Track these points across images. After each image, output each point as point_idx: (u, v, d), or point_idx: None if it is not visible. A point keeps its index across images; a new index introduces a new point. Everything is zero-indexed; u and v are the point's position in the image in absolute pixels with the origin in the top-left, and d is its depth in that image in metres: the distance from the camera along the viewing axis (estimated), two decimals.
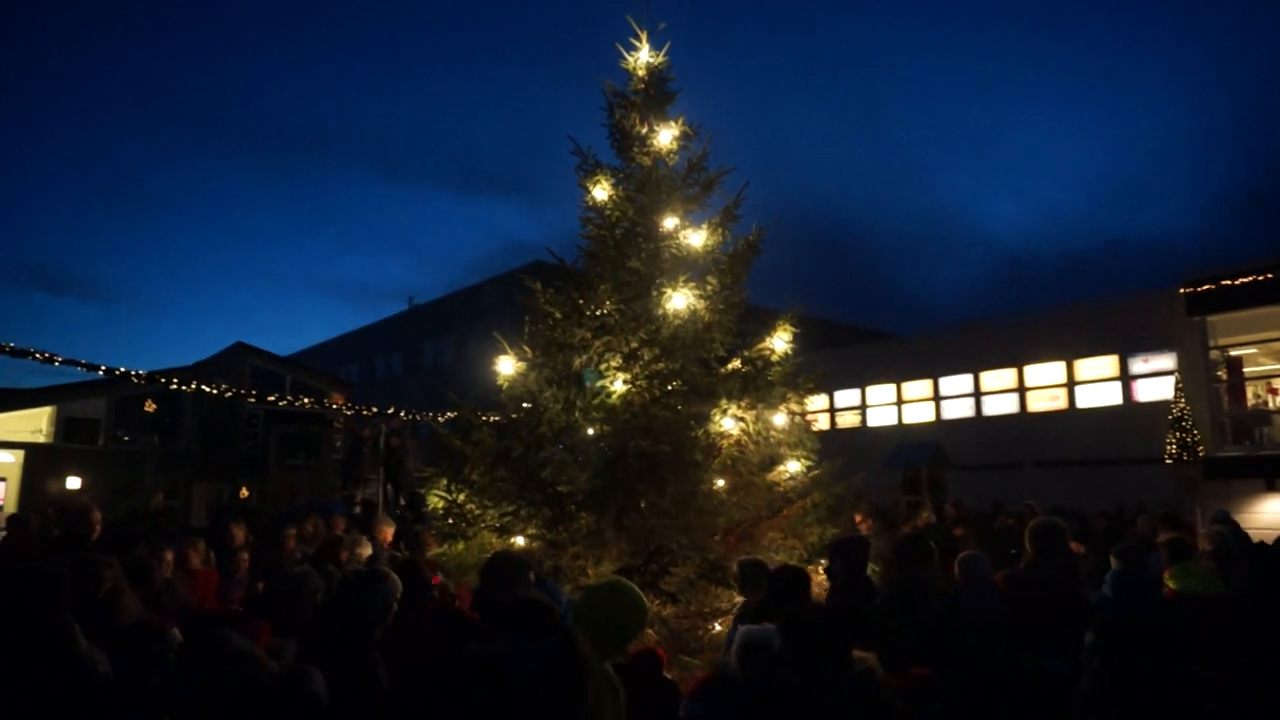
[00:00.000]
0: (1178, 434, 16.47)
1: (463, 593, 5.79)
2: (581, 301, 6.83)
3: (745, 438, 6.57)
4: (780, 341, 7.07)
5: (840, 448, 10.34)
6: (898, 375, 24.55)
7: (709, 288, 6.94)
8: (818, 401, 21.31)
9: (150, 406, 22.46)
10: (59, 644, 3.26)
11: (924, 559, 4.77)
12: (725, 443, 6.47)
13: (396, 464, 13.66)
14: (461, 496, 6.71)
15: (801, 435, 7.11)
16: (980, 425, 22.22)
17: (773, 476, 6.93)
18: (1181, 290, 17.75)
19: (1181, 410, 16.62)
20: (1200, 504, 15.32)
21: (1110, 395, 19.98)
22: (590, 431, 6.64)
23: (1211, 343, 17.82)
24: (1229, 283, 16.85)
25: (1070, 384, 20.69)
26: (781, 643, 2.92)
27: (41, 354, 11.40)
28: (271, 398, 17.14)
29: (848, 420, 25.74)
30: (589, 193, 7.16)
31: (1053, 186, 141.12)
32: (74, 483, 20.19)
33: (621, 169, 7.32)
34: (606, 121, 7.38)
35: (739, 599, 5.77)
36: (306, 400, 18.22)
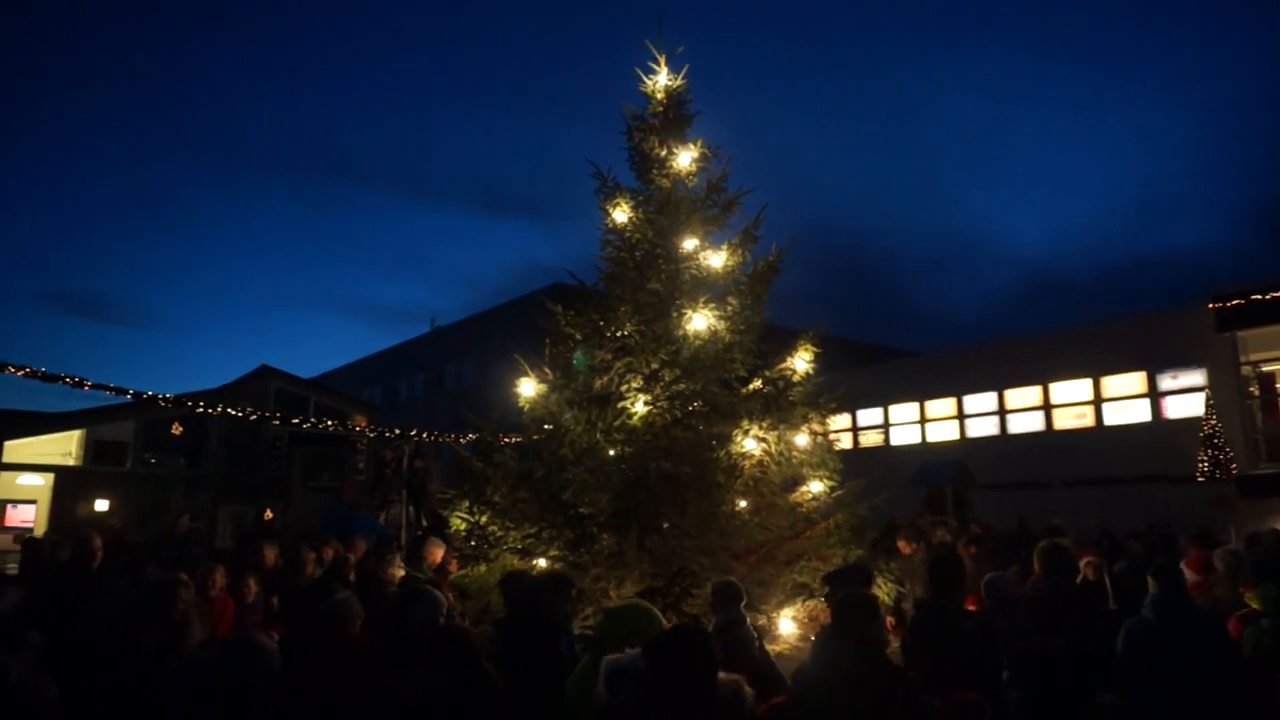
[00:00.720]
0: (1209, 451, 16.16)
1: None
2: (602, 323, 6.85)
3: (767, 458, 6.54)
4: (801, 361, 7.04)
5: (863, 467, 10.25)
6: (921, 394, 24.34)
7: (729, 308, 6.95)
8: (840, 421, 21.18)
9: (177, 429, 22.75)
10: None
11: (957, 580, 4.71)
12: (747, 463, 6.44)
13: (419, 486, 13.69)
14: (484, 518, 6.72)
15: (824, 455, 7.06)
16: (1005, 443, 21.95)
17: (795, 497, 6.88)
18: (1211, 305, 17.49)
19: (1213, 427, 16.32)
20: (1235, 523, 14.99)
21: (1139, 412, 19.66)
22: (611, 453, 6.63)
23: (1243, 358, 17.53)
24: (1260, 297, 16.58)
25: (1097, 401, 20.41)
26: (646, 668, 2.87)
27: (71, 378, 11.59)
28: (296, 420, 17.29)
29: (871, 439, 25.53)
30: (609, 215, 7.21)
31: (1078, 202, 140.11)
32: (102, 505, 20.42)
33: (641, 191, 7.36)
34: (626, 144, 7.45)
35: (762, 621, 5.70)
36: (330, 422, 18.36)
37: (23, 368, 11.17)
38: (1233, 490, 16.00)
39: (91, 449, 21.93)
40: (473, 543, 6.80)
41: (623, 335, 6.77)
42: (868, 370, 26.16)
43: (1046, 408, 21.41)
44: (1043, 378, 21.48)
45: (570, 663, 4.08)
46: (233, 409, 14.68)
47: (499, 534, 6.58)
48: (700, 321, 6.69)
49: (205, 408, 14.54)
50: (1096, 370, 20.45)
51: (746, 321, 7.04)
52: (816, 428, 6.94)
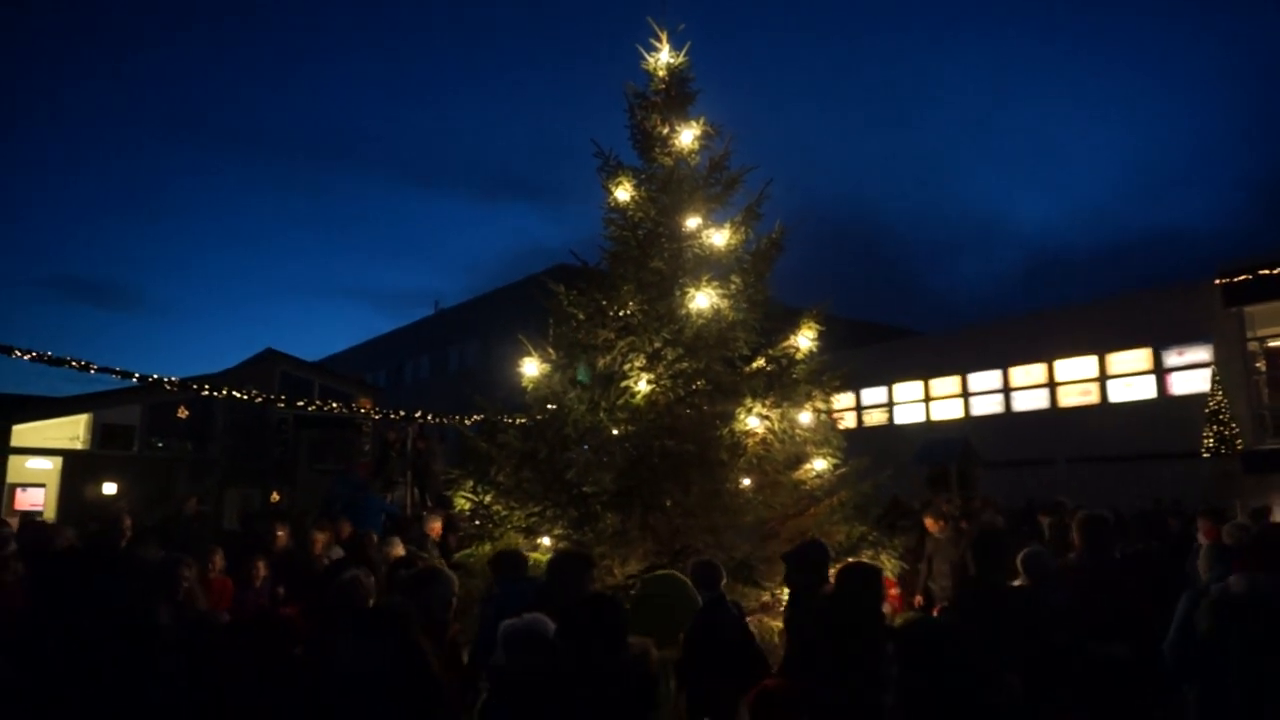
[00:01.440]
0: (1215, 428, 16.14)
1: None
2: (605, 302, 6.84)
3: (770, 436, 6.53)
4: (805, 339, 7.02)
5: (867, 446, 10.26)
6: (925, 372, 24.31)
7: (732, 286, 6.92)
8: (844, 400, 21.19)
9: (183, 413, 22.82)
10: None
11: (1002, 561, 4.62)
12: (750, 441, 6.44)
13: (424, 467, 13.75)
14: (488, 498, 6.75)
15: (827, 433, 7.06)
16: (1010, 421, 21.94)
17: (799, 475, 6.89)
18: (1217, 281, 17.39)
19: (1219, 403, 16.29)
20: (1240, 499, 14.99)
21: (1144, 389, 19.62)
22: (615, 432, 6.64)
23: (1249, 334, 17.45)
24: (1267, 272, 16.48)
25: (1102, 378, 20.35)
26: (558, 632, 2.98)
27: (78, 362, 11.62)
28: (301, 403, 17.33)
29: (875, 418, 25.54)
30: (611, 194, 7.17)
31: (1083, 180, 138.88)
32: (110, 488, 20.54)
33: (643, 170, 7.32)
34: (628, 123, 7.39)
35: (765, 597, 5.72)
36: (335, 405, 18.39)
37: (29, 351, 11.20)
38: (1238, 466, 15.99)
39: (99, 433, 22.02)
40: (477, 522, 6.83)
41: (625, 314, 6.76)
42: (872, 349, 26.13)
43: (1051, 385, 21.36)
44: (1048, 355, 21.42)
45: None
46: (238, 392, 14.71)
47: (503, 513, 6.60)
48: (703, 300, 6.67)
49: (211, 391, 14.57)
50: (1102, 347, 20.38)
51: (749, 300, 7.00)
52: (820, 406, 6.93)
